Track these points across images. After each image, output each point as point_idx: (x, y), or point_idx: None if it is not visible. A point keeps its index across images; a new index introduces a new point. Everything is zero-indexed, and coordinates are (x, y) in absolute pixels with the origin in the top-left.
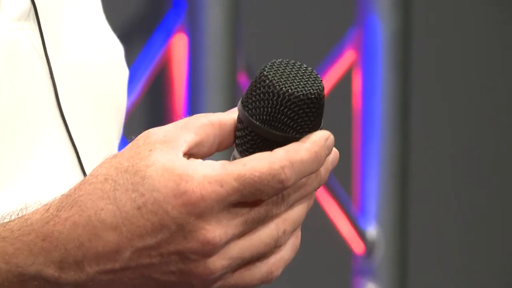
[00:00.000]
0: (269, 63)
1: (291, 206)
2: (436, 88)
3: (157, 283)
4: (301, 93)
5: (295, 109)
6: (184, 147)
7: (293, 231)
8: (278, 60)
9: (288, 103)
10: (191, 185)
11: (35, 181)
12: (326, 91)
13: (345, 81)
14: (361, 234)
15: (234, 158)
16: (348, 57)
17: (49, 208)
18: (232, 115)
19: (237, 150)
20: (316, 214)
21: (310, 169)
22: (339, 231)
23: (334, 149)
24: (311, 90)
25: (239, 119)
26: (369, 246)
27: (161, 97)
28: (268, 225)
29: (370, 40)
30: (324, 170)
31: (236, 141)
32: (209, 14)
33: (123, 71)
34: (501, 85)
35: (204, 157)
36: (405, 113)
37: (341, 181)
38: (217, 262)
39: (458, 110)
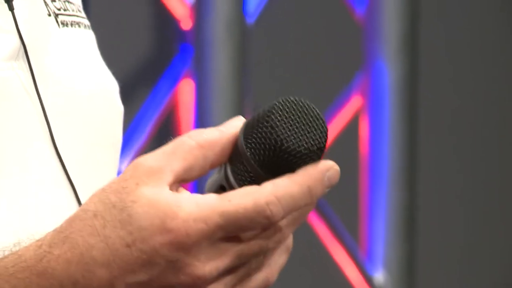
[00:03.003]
0: (278, 103)
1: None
2: (443, 133)
3: None
4: (303, 147)
5: (294, 160)
6: (170, 178)
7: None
8: (286, 99)
9: (289, 157)
10: (176, 223)
11: (34, 219)
12: (333, 136)
13: (352, 126)
14: (369, 280)
15: (227, 178)
16: (355, 102)
17: (41, 245)
18: (224, 131)
19: (232, 171)
20: (323, 260)
21: (301, 204)
22: (347, 276)
23: (334, 164)
24: (314, 143)
25: (238, 149)
26: None
27: (168, 142)
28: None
29: (377, 85)
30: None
31: (231, 163)
32: (216, 60)
33: (117, 108)
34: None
35: (197, 178)
36: (412, 158)
37: (348, 227)
38: None
39: (467, 155)
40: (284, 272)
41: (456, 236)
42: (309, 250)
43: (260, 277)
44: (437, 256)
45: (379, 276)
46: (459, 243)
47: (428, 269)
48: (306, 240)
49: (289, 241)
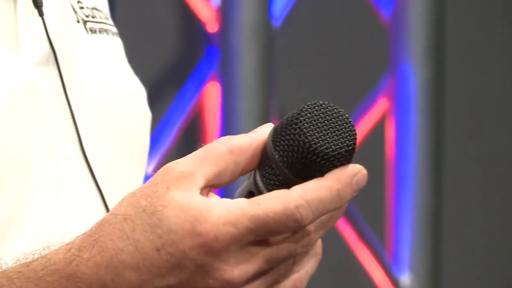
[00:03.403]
0: (307, 106)
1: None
2: (469, 136)
3: None
4: (331, 149)
5: (323, 162)
6: (201, 182)
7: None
8: (315, 103)
9: (317, 159)
10: (205, 227)
11: (62, 224)
12: (359, 139)
13: (378, 129)
14: (395, 283)
15: (256, 183)
16: (381, 105)
17: (70, 248)
18: (254, 137)
19: (261, 175)
20: (349, 262)
21: (330, 207)
22: (373, 279)
23: (362, 168)
24: (342, 146)
25: (267, 154)
26: None
27: (194, 145)
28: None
29: (403, 88)
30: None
31: (260, 168)
32: (242, 63)
33: (145, 114)
34: None
35: (228, 184)
36: (438, 161)
37: (374, 229)
38: None
39: (492, 159)
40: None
41: (482, 239)
42: (335, 253)
43: (288, 284)
44: (463, 259)
45: (405, 278)
46: (485, 246)
47: (454, 272)
48: (333, 243)
49: (318, 249)
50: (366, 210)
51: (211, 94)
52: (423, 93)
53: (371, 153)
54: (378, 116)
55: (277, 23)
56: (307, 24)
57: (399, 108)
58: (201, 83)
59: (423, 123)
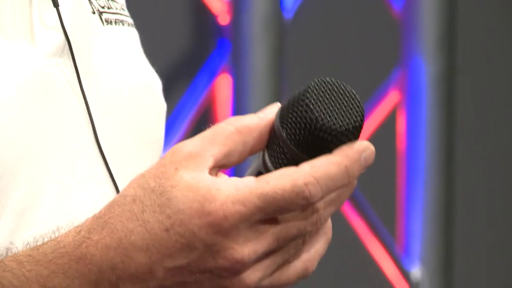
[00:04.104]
0: (313, 83)
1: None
2: (480, 129)
3: None
4: (338, 125)
5: (330, 139)
6: (210, 162)
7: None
8: (322, 80)
9: (325, 136)
10: (215, 206)
11: (76, 215)
12: (370, 131)
13: (389, 121)
14: (405, 275)
15: (265, 163)
16: (392, 97)
17: (80, 231)
18: (262, 117)
19: (269, 155)
20: (360, 255)
21: (339, 184)
22: (383, 271)
23: (369, 145)
24: (350, 122)
25: (275, 132)
26: (414, 287)
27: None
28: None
29: (414, 81)
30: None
31: (268, 147)
32: (253, 55)
33: (160, 105)
34: None
35: (236, 164)
36: (449, 153)
37: (385, 222)
38: (252, 275)
39: (504, 152)
40: (321, 266)
41: (493, 231)
42: (346, 246)
43: (298, 265)
44: (474, 251)
45: (416, 271)
46: (496, 238)
47: (465, 264)
48: (343, 235)
49: (328, 230)
50: (377, 202)
51: (223, 86)
52: (435, 86)
53: (382, 145)
54: (389, 108)
55: (288, 15)
56: (319, 17)
57: (411, 100)
58: (212, 75)
59: (434, 115)
